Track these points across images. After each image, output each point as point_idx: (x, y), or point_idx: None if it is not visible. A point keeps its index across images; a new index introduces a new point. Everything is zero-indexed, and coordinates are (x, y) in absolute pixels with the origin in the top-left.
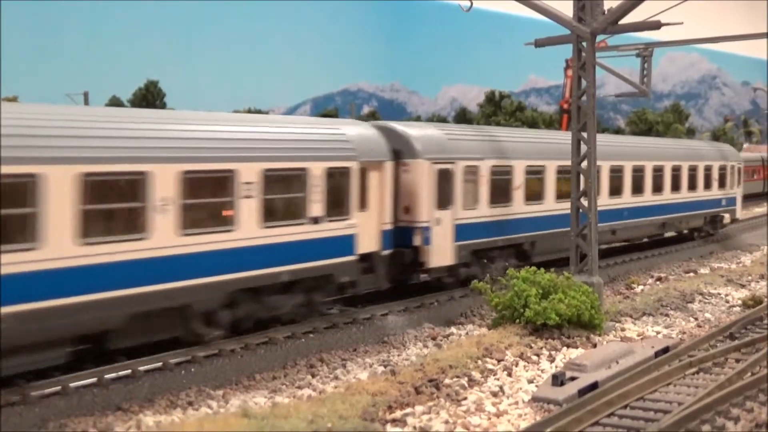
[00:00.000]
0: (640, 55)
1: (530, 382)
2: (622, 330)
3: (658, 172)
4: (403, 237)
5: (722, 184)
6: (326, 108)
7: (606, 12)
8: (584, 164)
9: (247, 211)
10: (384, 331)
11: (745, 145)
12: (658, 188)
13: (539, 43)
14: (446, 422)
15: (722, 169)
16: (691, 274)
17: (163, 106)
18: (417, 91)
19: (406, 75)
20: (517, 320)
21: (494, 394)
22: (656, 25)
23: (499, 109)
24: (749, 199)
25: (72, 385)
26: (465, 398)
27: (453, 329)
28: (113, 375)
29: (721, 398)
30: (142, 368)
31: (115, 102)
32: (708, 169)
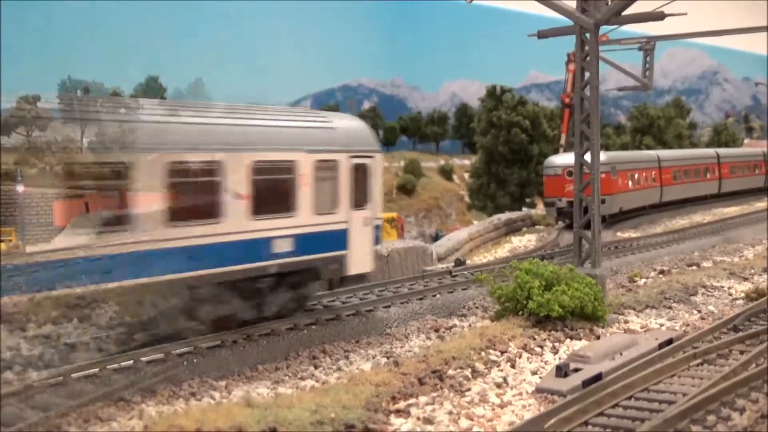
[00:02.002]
0: (642, 48)
1: (534, 373)
2: (626, 322)
3: None
4: None
5: (285, 203)
6: (327, 104)
7: (609, 3)
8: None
9: None
10: (387, 323)
11: (746, 141)
12: None
13: (542, 35)
14: (450, 413)
15: (284, 169)
16: (694, 268)
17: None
18: (418, 87)
19: (406, 70)
20: (521, 312)
21: (498, 386)
22: (660, 16)
23: (500, 104)
24: (752, 193)
25: (74, 375)
26: (469, 389)
27: (456, 321)
28: (115, 366)
29: (726, 389)
30: (144, 359)
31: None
32: (203, 172)
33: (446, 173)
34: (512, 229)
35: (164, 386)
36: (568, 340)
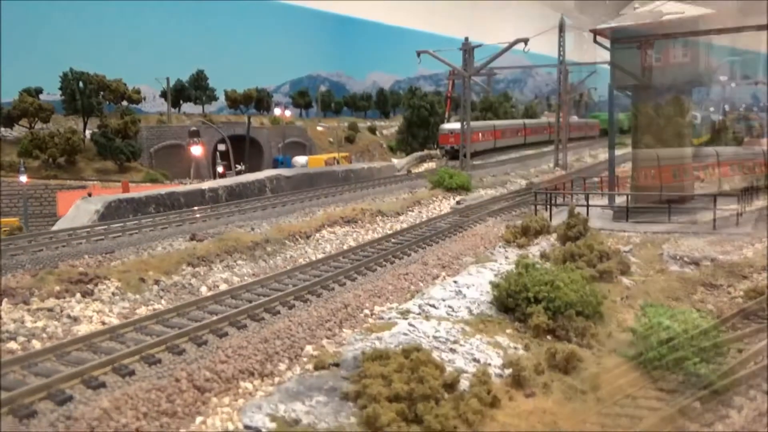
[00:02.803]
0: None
1: (450, 205)
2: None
3: None
4: None
5: None
6: (299, 88)
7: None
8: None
9: None
10: (376, 193)
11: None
12: None
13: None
14: (420, 212)
15: None
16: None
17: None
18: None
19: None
20: (441, 187)
21: (438, 209)
22: (491, 74)
23: (414, 95)
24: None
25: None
26: (426, 207)
27: (417, 190)
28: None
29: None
30: None
31: None
32: None
33: (372, 131)
34: (422, 159)
35: None
36: (459, 195)
